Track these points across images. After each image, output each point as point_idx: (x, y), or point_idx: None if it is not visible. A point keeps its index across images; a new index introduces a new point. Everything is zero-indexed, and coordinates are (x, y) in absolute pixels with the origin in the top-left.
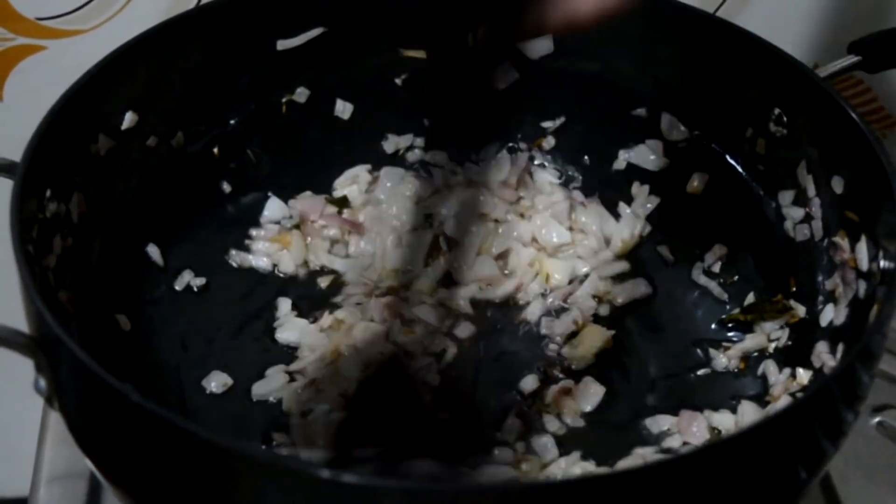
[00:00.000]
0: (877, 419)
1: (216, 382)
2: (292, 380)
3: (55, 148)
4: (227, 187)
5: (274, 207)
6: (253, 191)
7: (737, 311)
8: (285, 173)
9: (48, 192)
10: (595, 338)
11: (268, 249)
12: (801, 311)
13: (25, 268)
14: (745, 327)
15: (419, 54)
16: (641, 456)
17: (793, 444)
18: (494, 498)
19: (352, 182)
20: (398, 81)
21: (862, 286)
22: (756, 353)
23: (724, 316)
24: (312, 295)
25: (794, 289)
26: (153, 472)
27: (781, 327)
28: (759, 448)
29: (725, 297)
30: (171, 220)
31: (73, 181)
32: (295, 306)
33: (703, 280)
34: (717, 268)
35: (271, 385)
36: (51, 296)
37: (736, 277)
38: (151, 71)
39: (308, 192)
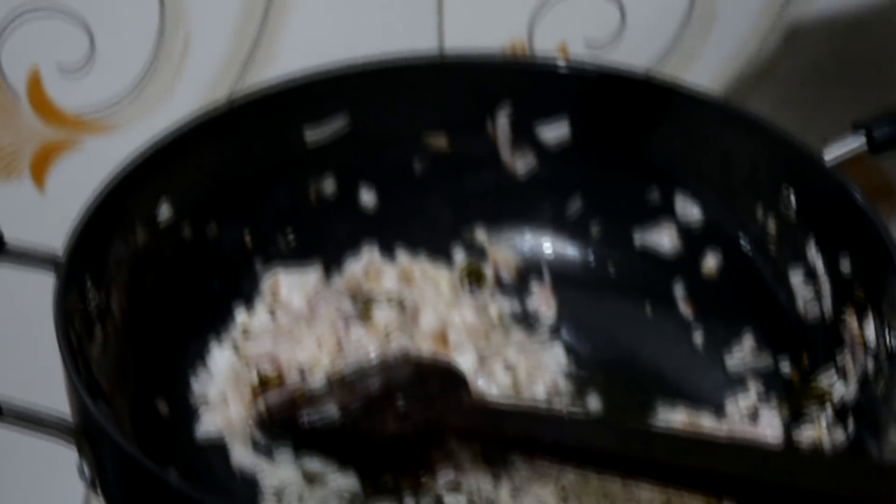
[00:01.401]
0: None
1: (249, 465)
2: None
3: (94, 242)
4: (259, 267)
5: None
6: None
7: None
8: (317, 259)
9: (89, 284)
10: None
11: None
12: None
13: (69, 358)
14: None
15: (441, 142)
16: None
17: None
18: None
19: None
20: (420, 170)
21: (870, 362)
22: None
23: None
24: None
25: (807, 363)
26: None
27: None
28: None
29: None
30: (207, 305)
31: (112, 274)
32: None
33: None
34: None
35: None
36: (93, 384)
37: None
38: (186, 167)
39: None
